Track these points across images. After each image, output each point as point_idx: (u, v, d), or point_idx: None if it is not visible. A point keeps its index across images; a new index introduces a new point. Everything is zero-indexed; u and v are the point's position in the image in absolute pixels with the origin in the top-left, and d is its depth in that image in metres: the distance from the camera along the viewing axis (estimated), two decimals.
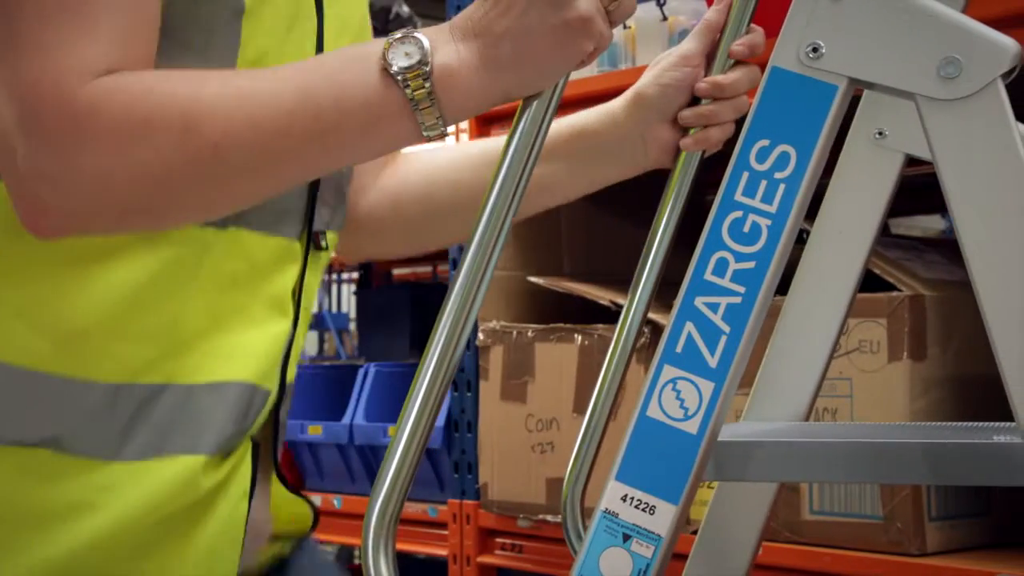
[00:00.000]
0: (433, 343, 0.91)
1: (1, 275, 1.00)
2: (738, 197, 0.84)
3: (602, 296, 2.12)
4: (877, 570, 1.70)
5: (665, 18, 2.02)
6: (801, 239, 1.15)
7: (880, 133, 1.14)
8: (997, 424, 0.96)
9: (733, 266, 0.84)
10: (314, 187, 1.13)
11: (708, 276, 0.84)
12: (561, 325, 2.14)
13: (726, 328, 0.84)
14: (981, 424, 0.99)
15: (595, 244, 2.42)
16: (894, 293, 1.71)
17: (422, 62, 0.93)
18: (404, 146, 1.03)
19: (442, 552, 2.39)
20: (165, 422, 1.04)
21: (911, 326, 1.69)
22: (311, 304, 1.17)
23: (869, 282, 1.74)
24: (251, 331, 1.08)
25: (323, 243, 1.15)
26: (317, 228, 1.14)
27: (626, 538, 0.85)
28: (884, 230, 2.60)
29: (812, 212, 1.14)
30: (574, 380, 2.10)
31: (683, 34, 2.00)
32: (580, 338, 2.10)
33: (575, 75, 2.15)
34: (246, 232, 1.07)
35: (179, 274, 1.04)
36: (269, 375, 1.10)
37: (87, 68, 0.91)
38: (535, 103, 0.96)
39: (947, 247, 1.93)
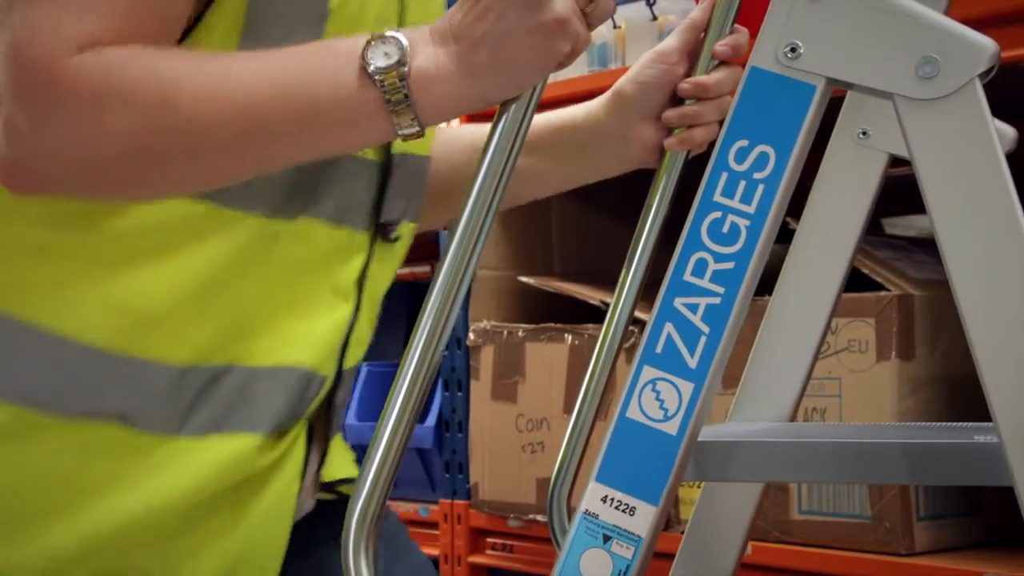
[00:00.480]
0: (414, 343, 0.91)
1: (83, 261, 1.03)
2: (717, 198, 0.84)
3: (592, 296, 2.12)
4: (865, 570, 1.70)
5: (655, 18, 2.02)
6: (787, 239, 1.16)
7: (864, 133, 1.14)
8: (979, 424, 0.96)
9: (712, 267, 0.84)
10: (384, 178, 1.13)
11: (687, 277, 0.84)
12: (551, 325, 2.14)
13: (705, 329, 0.84)
14: (963, 424, 0.99)
15: (586, 244, 2.42)
16: (882, 293, 1.71)
17: (400, 63, 0.94)
18: (380, 142, 1.03)
19: (433, 552, 2.38)
20: (226, 402, 1.06)
21: (899, 326, 1.69)
22: (378, 295, 1.18)
23: (858, 282, 1.74)
24: (313, 318, 1.10)
25: (393, 234, 1.16)
26: (388, 219, 1.15)
27: (606, 539, 0.85)
28: (878, 229, 2.60)
29: (798, 211, 1.14)
30: (564, 380, 2.10)
31: None
32: (570, 338, 2.10)
33: (565, 75, 2.15)
34: (314, 222, 1.08)
35: (250, 262, 1.06)
36: (327, 361, 1.12)
37: (81, 38, 0.93)
38: (513, 107, 0.95)
39: (937, 247, 1.93)
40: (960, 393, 1.72)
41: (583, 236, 2.42)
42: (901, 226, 3.40)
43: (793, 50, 0.83)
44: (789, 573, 1.78)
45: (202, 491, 1.05)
